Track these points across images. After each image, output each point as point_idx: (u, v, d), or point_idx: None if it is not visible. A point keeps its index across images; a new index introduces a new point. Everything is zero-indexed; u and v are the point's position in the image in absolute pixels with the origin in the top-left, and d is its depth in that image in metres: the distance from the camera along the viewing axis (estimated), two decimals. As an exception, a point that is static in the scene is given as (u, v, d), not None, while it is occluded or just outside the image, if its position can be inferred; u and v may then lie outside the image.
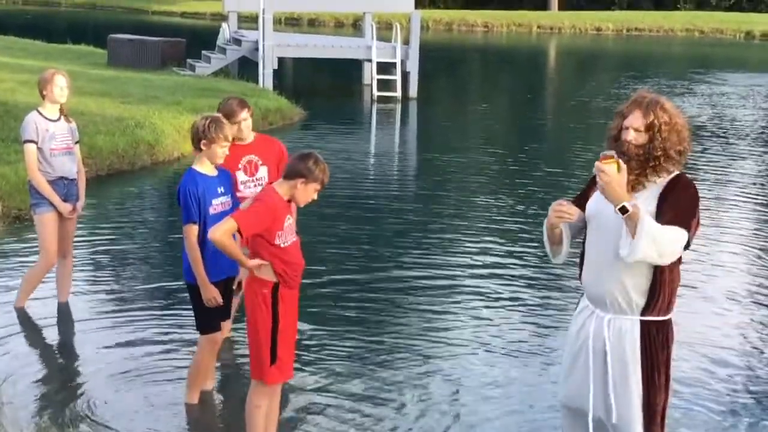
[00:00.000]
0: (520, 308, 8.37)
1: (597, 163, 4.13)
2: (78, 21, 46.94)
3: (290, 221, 5.17)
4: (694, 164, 14.80)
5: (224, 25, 24.94)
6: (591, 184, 4.57)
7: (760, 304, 8.56)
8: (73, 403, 6.20)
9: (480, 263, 9.67)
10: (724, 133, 18.52)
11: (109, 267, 9.27)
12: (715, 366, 7.08)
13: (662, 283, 4.30)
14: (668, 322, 4.39)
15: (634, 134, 4.30)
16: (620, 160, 4.14)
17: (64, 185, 7.50)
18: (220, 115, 5.98)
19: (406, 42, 22.92)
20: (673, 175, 4.33)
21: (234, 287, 6.01)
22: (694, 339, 7.46)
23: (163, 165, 13.95)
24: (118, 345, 7.14)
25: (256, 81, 21.27)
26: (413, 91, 22.47)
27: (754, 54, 41.50)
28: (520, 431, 6.08)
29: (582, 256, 4.56)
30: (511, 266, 9.56)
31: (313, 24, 47.41)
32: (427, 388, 6.64)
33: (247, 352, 6.95)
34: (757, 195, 13.17)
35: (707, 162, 15.27)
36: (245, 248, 5.50)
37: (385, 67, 22.57)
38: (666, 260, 4.17)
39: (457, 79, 29.57)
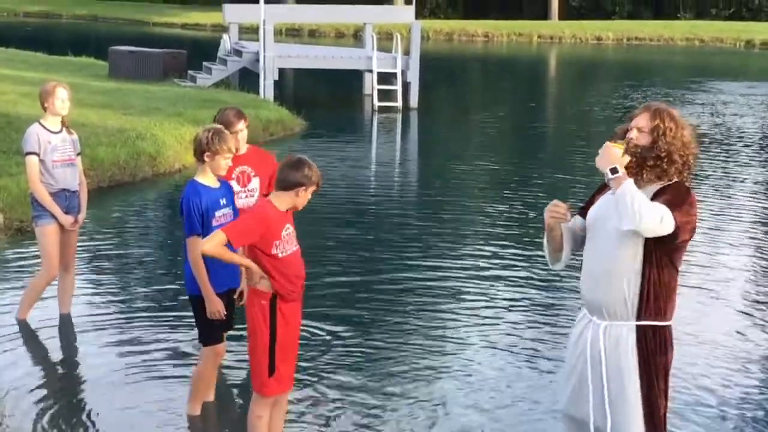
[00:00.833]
0: (524, 310, 8.49)
1: (607, 142, 4.38)
2: (79, 33, 47.02)
3: (289, 230, 5.16)
4: (698, 173, 14.81)
5: (225, 36, 24.97)
6: (596, 194, 4.63)
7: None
8: (75, 415, 6.19)
9: (483, 266, 9.79)
10: (726, 140, 18.52)
11: (111, 278, 9.27)
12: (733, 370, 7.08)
13: (654, 287, 4.33)
14: (666, 328, 4.39)
15: (636, 133, 4.40)
16: (627, 149, 4.36)
17: (65, 197, 7.51)
18: (221, 126, 5.98)
19: (407, 52, 22.95)
20: (672, 181, 4.38)
21: (236, 297, 6.01)
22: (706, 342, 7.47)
23: (165, 176, 13.96)
24: (120, 356, 7.14)
25: (257, 92, 21.29)
26: (414, 101, 22.49)
27: (755, 63, 41.54)
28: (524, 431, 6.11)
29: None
30: (515, 269, 9.68)
31: (314, 35, 47.46)
32: (432, 389, 6.74)
33: (247, 362, 7.04)
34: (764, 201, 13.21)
35: (712, 169, 15.28)
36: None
37: (385, 78, 22.60)
38: (645, 222, 4.15)
39: (457, 88, 29.61)
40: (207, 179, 5.79)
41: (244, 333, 7.20)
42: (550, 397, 6.45)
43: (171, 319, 7.95)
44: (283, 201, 5.12)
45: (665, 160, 4.33)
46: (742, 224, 11.93)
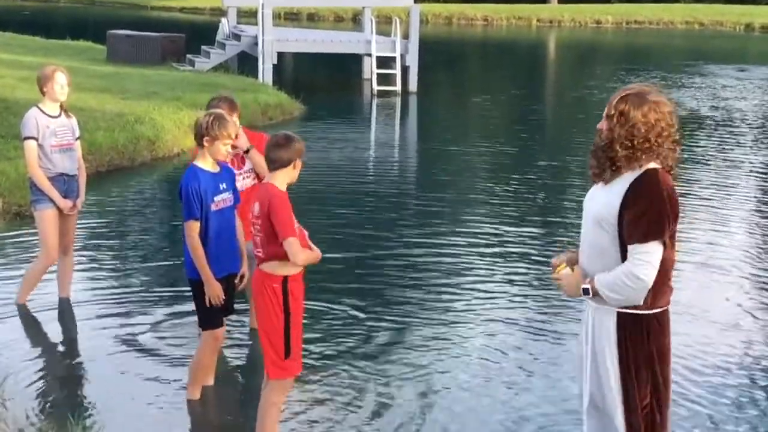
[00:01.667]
0: (524, 285, 8.67)
1: (552, 276, 4.51)
2: (77, 17, 46.92)
3: None
4: (696, 156, 14.85)
5: (223, 20, 24.91)
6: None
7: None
8: (75, 399, 6.21)
9: (483, 243, 10.02)
10: (726, 122, 18.51)
11: (110, 262, 9.27)
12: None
13: None
14: (649, 317, 4.28)
15: (602, 122, 4.35)
16: (567, 265, 4.46)
17: (64, 181, 7.50)
18: (223, 111, 5.96)
19: (406, 36, 22.89)
20: (640, 172, 4.23)
21: (236, 281, 6.01)
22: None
23: (163, 161, 13.95)
24: (119, 340, 7.14)
25: (256, 76, 21.26)
26: (413, 85, 22.44)
27: (754, 46, 41.48)
28: (529, 405, 6.21)
29: None
30: (514, 245, 9.94)
31: (313, 19, 47.36)
32: (433, 363, 6.87)
33: (247, 347, 7.06)
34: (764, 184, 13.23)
35: (711, 152, 15.29)
36: (249, 242, 5.55)
37: (384, 62, 22.55)
38: (646, 283, 4.16)
39: (457, 72, 29.56)
40: (206, 164, 5.78)
41: (244, 318, 7.30)
42: (548, 368, 6.65)
43: (171, 303, 7.95)
44: (282, 180, 5.15)
45: (629, 146, 4.22)
46: (747, 204, 12.06)
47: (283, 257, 5.08)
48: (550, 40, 43.75)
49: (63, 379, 6.58)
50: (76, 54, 24.23)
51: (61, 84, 7.40)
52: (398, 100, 21.62)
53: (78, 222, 8.09)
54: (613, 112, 4.28)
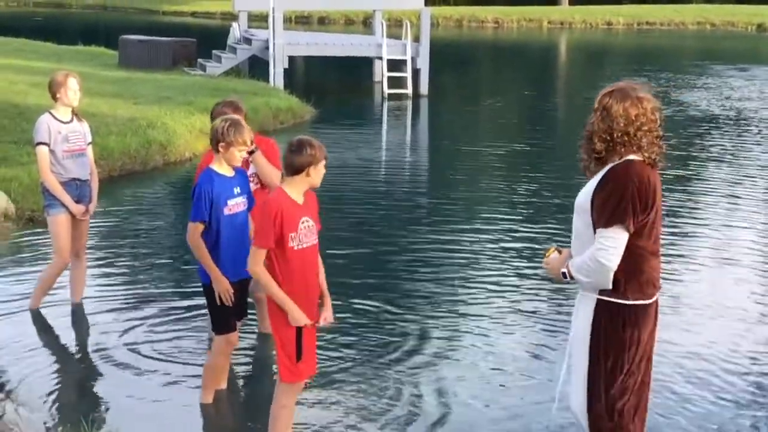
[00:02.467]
0: (536, 279, 8.78)
1: (544, 261, 4.70)
2: (89, 22, 47.09)
3: (309, 223, 5.14)
4: (705, 155, 14.84)
5: (234, 24, 24.96)
6: None
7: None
8: (88, 404, 6.21)
9: (494, 239, 10.25)
10: (736, 122, 18.45)
11: (123, 267, 9.29)
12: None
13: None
14: (626, 308, 4.37)
15: (592, 116, 4.51)
16: (558, 248, 4.67)
17: (76, 186, 7.52)
18: (239, 117, 5.95)
19: (417, 39, 22.89)
20: (613, 164, 4.40)
21: (251, 286, 6.02)
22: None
23: (175, 165, 13.98)
24: (133, 345, 7.15)
25: (267, 80, 21.29)
26: (424, 88, 22.44)
27: (766, 46, 41.30)
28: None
29: None
30: (525, 241, 10.07)
31: (323, 22, 47.42)
32: (447, 356, 7.06)
33: (258, 351, 7.07)
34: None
35: (720, 153, 15.25)
36: None
37: (395, 65, 22.56)
38: (610, 267, 4.30)
39: (468, 75, 29.55)
40: (222, 168, 5.79)
41: (257, 322, 7.31)
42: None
43: (184, 307, 7.96)
44: (296, 186, 5.11)
45: (607, 139, 4.39)
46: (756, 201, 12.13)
47: (277, 274, 5.08)
48: (561, 41, 43.68)
49: (76, 383, 6.60)
50: (88, 59, 24.31)
51: (74, 89, 7.43)
52: (409, 103, 21.62)
53: (90, 226, 8.11)
54: (596, 106, 4.48)
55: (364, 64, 25.17)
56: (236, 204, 5.81)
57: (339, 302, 7.78)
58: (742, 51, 37.73)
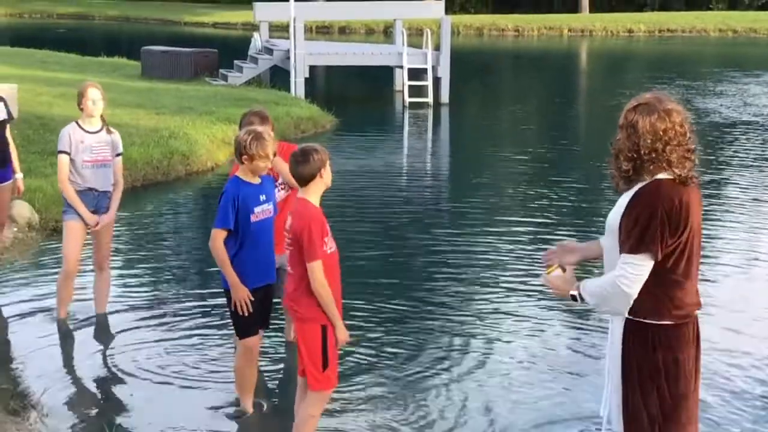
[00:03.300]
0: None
1: (543, 276, 4.48)
2: (111, 33, 47.38)
3: (328, 227, 5.27)
4: (725, 162, 14.78)
5: (256, 34, 25.06)
6: None
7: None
8: (113, 415, 6.23)
9: (516, 241, 10.47)
10: (760, 133, 18.35)
11: (147, 277, 9.33)
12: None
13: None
14: (655, 328, 4.17)
15: (619, 132, 4.30)
16: (560, 265, 4.44)
17: (93, 197, 7.56)
18: (263, 130, 5.95)
19: (437, 48, 22.90)
20: (642, 184, 4.19)
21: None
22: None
23: (198, 175, 14.03)
24: (157, 355, 7.18)
25: (288, 89, 21.35)
26: (445, 97, 22.44)
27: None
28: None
29: None
30: (547, 246, 9.95)
31: (344, 32, 47.50)
32: (460, 353, 7.25)
33: (284, 360, 7.08)
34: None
35: (741, 162, 15.19)
36: (282, 255, 5.58)
37: (416, 73, 22.57)
38: (630, 294, 4.13)
39: (488, 83, 29.52)
40: (247, 176, 5.82)
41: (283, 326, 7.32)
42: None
43: (208, 316, 7.98)
44: (315, 193, 5.20)
45: (634, 157, 4.17)
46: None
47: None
48: (582, 49, 43.56)
49: (100, 394, 6.62)
50: (111, 70, 24.47)
51: (93, 99, 7.47)
52: (430, 112, 21.62)
53: (114, 237, 8.15)
54: (622, 122, 4.26)
55: (385, 73, 25.20)
56: (263, 211, 5.83)
57: (361, 302, 8.12)
58: (765, 57, 37.49)
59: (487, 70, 33.02)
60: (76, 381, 6.80)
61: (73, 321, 7.80)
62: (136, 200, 12.12)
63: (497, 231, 10.81)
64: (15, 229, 10.13)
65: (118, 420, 6.13)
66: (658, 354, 4.18)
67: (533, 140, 18.52)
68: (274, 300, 6.17)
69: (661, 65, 33.99)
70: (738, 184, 13.53)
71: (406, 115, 21.38)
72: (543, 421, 6.14)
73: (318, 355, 5.16)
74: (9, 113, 9.00)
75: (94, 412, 6.30)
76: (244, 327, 5.93)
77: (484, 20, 52.24)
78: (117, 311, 8.08)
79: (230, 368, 6.39)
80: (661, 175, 4.16)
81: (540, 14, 54.11)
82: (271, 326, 6.35)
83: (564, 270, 4.43)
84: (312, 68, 22.69)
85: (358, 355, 7.11)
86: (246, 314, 5.80)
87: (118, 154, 7.69)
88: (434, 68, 22.43)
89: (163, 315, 8.08)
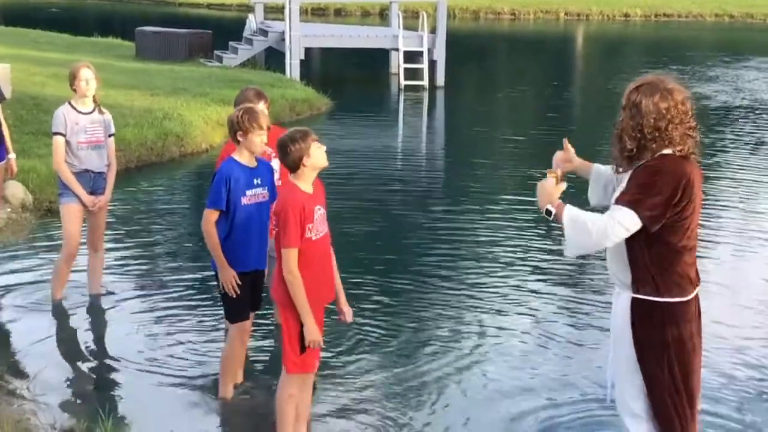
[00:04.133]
0: (556, 260, 8.97)
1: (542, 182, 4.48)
2: (105, 14, 47.16)
3: (321, 212, 5.15)
4: (721, 148, 14.80)
5: (251, 16, 24.94)
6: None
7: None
8: (106, 397, 6.23)
9: (512, 218, 10.63)
10: (755, 113, 18.36)
11: (140, 259, 9.30)
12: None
13: (639, 263, 4.29)
14: (663, 305, 4.29)
15: (621, 113, 4.38)
16: (559, 176, 4.47)
17: (90, 178, 7.52)
18: (252, 105, 5.95)
19: (433, 31, 22.82)
20: (643, 162, 4.28)
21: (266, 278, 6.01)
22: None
23: (192, 156, 13.99)
24: (150, 337, 7.17)
25: (283, 71, 21.28)
26: (440, 80, 22.37)
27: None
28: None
29: None
30: (544, 223, 10.09)
31: (340, 14, 47.27)
32: (457, 328, 7.38)
33: (274, 342, 7.06)
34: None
35: (737, 146, 15.20)
36: (271, 240, 5.55)
37: (412, 56, 22.49)
38: (606, 241, 4.20)
39: (484, 67, 29.47)
40: (243, 158, 5.78)
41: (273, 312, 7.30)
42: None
43: (201, 299, 7.98)
44: (302, 177, 5.10)
45: (638, 136, 4.25)
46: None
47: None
48: (579, 33, 43.46)
49: (93, 376, 6.61)
50: (104, 51, 24.33)
51: (85, 79, 7.42)
52: (426, 95, 21.57)
53: (107, 218, 8.12)
54: (624, 102, 4.33)
55: (381, 55, 25.12)
56: (255, 195, 5.79)
57: (352, 278, 8.06)
58: (762, 43, 37.46)
59: (484, 54, 32.96)
60: (71, 361, 6.80)
61: (66, 302, 7.77)
62: (130, 181, 12.08)
63: (493, 209, 10.99)
64: (9, 209, 10.09)
65: (112, 400, 6.13)
66: (666, 331, 4.29)
67: (529, 122, 18.51)
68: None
69: (658, 49, 33.92)
70: (733, 166, 13.53)
71: (402, 98, 21.33)
72: (542, 392, 6.24)
73: (296, 338, 5.11)
74: (1, 93, 8.94)
75: (87, 392, 6.30)
76: (234, 311, 5.91)
77: (481, 3, 52.05)
78: (110, 292, 8.05)
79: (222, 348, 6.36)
80: (665, 152, 4.26)
81: (536, -3, 53.92)
82: (261, 310, 6.35)
83: (559, 182, 4.46)
84: (307, 50, 22.60)
85: (355, 328, 7.15)
86: (235, 297, 5.77)
87: (110, 135, 7.65)
88: (430, 51, 22.35)
89: (158, 296, 8.06)
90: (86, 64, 7.59)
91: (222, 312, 6.28)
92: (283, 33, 22.03)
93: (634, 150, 4.28)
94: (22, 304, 7.74)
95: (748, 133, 16.48)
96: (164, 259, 9.30)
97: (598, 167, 4.81)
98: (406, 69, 22.13)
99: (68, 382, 6.42)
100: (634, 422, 4.43)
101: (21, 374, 6.43)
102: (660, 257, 4.25)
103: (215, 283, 6.07)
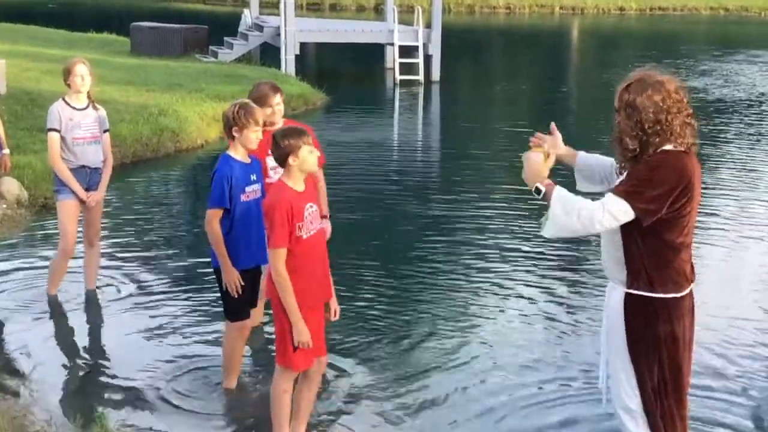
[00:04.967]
0: (548, 243, 9.06)
1: (525, 154, 4.40)
2: (101, 9, 47.08)
3: (313, 208, 5.11)
4: (717, 141, 14.82)
5: (246, 11, 24.93)
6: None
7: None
8: (102, 391, 6.23)
9: (505, 206, 10.82)
10: (749, 106, 18.40)
11: (136, 254, 9.30)
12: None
13: (635, 259, 4.26)
14: (656, 301, 4.26)
15: (617, 116, 4.32)
16: (548, 150, 4.40)
17: (86, 173, 7.53)
18: (248, 100, 5.95)
19: (428, 25, 22.83)
20: (658, 151, 4.23)
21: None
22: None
23: (187, 152, 13.99)
24: (146, 331, 7.17)
25: (279, 67, 21.27)
26: (436, 74, 22.39)
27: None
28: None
29: None
30: (537, 211, 10.24)
31: (335, 9, 47.28)
32: (454, 314, 7.43)
33: (273, 338, 7.08)
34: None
35: (733, 140, 15.23)
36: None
37: (407, 51, 22.50)
38: (591, 227, 4.17)
39: (480, 61, 29.46)
40: (238, 154, 5.77)
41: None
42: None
43: (197, 294, 7.98)
44: (291, 175, 5.05)
45: (638, 134, 4.20)
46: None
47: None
48: (574, 27, 43.47)
49: (89, 370, 6.60)
50: (100, 46, 24.31)
51: (80, 75, 7.42)
52: (421, 89, 21.58)
53: (103, 214, 8.13)
54: (618, 105, 4.28)
55: (376, 50, 25.11)
56: (253, 191, 5.80)
57: (348, 267, 8.23)
58: (756, 36, 37.49)
59: (479, 48, 32.96)
60: (66, 357, 6.79)
61: (62, 297, 7.78)
62: (126, 177, 12.08)
63: (489, 197, 11.18)
64: (4, 206, 10.10)
65: (107, 396, 6.13)
66: (660, 327, 4.29)
67: (525, 116, 18.51)
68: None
69: (653, 43, 33.95)
70: (731, 157, 13.55)
71: (397, 93, 21.34)
72: (542, 373, 6.34)
73: (288, 336, 5.06)
74: (-4, 89, 8.94)
75: (83, 388, 6.29)
76: (234, 310, 5.92)
77: (476, -2, 52.02)
78: (106, 286, 8.07)
79: (219, 344, 6.38)
80: (666, 147, 4.23)
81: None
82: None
83: (547, 158, 4.38)
84: (302, 45, 22.59)
85: (353, 312, 7.16)
86: (236, 296, 5.78)
87: (105, 131, 7.65)
88: (425, 46, 22.36)
89: (153, 291, 8.06)
90: (81, 59, 7.59)
91: (220, 309, 6.28)
92: (278, 28, 22.02)
93: (637, 149, 4.23)
94: (17, 300, 7.74)
95: (748, 125, 16.53)
96: (161, 253, 9.30)
97: (583, 155, 4.79)
98: (401, 64, 22.14)
99: (64, 379, 6.42)
100: (629, 416, 4.42)
101: (16, 371, 6.43)
102: (656, 253, 4.22)
103: (213, 277, 6.08)
